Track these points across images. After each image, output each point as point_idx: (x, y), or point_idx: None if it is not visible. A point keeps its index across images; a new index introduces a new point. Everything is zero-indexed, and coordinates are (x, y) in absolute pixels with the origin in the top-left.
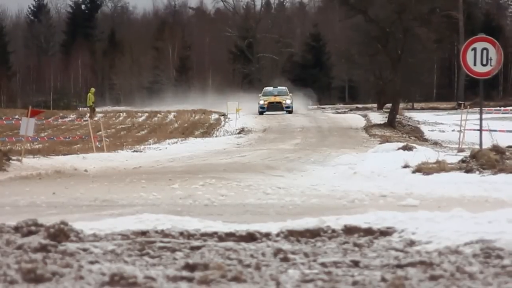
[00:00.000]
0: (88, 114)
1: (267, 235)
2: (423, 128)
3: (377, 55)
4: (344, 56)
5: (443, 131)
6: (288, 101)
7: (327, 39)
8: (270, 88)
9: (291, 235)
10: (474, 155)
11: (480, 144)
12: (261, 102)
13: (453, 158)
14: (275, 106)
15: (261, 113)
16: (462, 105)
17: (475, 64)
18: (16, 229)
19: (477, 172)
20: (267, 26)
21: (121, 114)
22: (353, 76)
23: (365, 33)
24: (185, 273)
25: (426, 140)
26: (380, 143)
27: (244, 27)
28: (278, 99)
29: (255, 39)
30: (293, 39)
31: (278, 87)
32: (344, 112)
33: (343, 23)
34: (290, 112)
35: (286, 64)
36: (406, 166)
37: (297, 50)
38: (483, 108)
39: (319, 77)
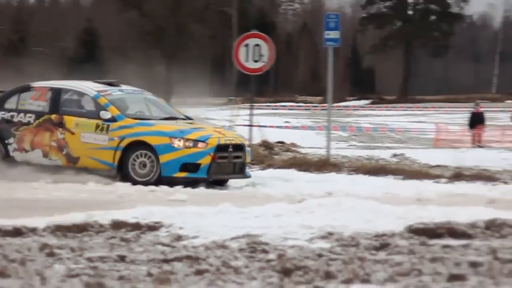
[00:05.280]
0: None
1: (33, 230)
2: None
3: (151, 50)
4: (118, 51)
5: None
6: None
7: (102, 34)
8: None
9: (58, 230)
10: None
11: (250, 140)
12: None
13: None
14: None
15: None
16: (233, 100)
17: (247, 60)
18: None
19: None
20: (41, 20)
21: None
22: (127, 71)
23: (140, 28)
24: None
25: None
26: None
27: (16, 21)
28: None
29: (28, 32)
30: (67, 33)
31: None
32: None
33: (118, 18)
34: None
35: (60, 59)
36: None
37: (70, 44)
38: (254, 104)
39: (92, 72)
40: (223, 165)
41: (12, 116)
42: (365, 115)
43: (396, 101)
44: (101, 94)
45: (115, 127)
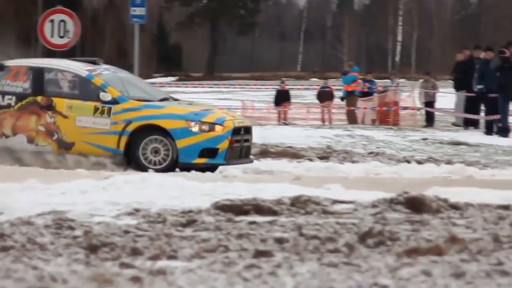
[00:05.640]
0: None
1: None
2: None
3: None
4: None
5: None
6: None
7: None
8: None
9: None
10: None
11: None
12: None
13: None
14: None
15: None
16: None
17: (52, 36)
18: None
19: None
20: None
21: None
22: None
23: None
24: None
25: None
26: None
27: None
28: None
29: None
30: None
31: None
32: None
33: None
34: None
35: None
36: None
37: None
38: None
39: None
40: (236, 150)
41: None
42: (171, 92)
43: (203, 78)
44: (94, 74)
45: (118, 110)
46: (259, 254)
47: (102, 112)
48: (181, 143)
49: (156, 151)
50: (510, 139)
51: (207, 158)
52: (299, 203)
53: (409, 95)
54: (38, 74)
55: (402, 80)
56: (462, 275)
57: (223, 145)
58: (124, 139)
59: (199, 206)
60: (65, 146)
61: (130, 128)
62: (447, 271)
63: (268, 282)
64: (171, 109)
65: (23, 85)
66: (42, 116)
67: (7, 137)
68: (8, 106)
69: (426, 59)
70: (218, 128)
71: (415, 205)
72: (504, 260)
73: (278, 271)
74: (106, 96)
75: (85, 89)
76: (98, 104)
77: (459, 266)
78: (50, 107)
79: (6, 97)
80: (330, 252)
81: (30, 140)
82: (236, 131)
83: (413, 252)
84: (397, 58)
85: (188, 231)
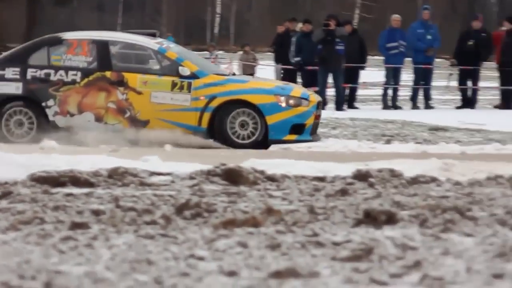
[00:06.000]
0: None
1: None
2: None
3: None
4: None
5: None
6: None
7: None
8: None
9: None
10: None
11: None
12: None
13: None
14: None
15: None
16: None
17: None
18: None
19: None
20: None
21: None
22: None
23: None
24: None
25: None
26: None
27: None
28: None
29: None
30: None
31: None
32: None
33: None
34: None
35: None
36: None
37: None
38: None
39: None
40: (316, 125)
41: (48, 74)
42: None
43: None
44: (165, 47)
45: (199, 85)
46: (75, 226)
47: (181, 88)
48: (271, 119)
49: (242, 125)
50: (325, 111)
51: (297, 135)
52: (116, 175)
53: (228, 67)
54: (103, 48)
55: (220, 52)
56: (278, 246)
57: (309, 121)
58: (207, 116)
59: (15, 177)
60: (138, 124)
61: (214, 103)
62: (263, 242)
63: (84, 254)
64: (256, 84)
65: (87, 59)
66: (113, 92)
67: (72, 115)
68: (73, 82)
69: (245, 31)
70: (305, 103)
71: (232, 177)
72: (319, 231)
73: (94, 243)
74: (185, 71)
75: (159, 64)
76: (176, 79)
77: (274, 238)
78: (121, 82)
79: (70, 72)
80: (147, 224)
81: (98, 118)
82: (317, 105)
83: (229, 224)
84: (216, 30)
85: (3, 203)
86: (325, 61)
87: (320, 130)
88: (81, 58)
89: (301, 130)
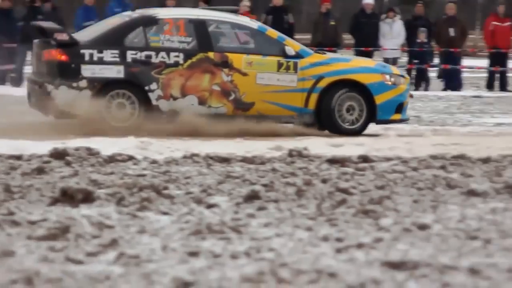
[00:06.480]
0: None
1: None
2: None
3: None
4: None
5: None
6: None
7: None
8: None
9: None
10: None
11: None
12: None
13: None
14: None
15: None
16: None
17: None
18: None
19: None
20: None
21: None
22: None
23: None
24: None
25: None
26: None
27: None
28: None
29: None
30: None
31: None
32: None
33: None
34: None
35: None
36: None
37: None
38: None
39: None
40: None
41: (149, 56)
42: None
43: None
44: (264, 26)
45: (305, 65)
46: None
47: (288, 68)
48: (379, 99)
49: (348, 110)
50: (22, 89)
51: (401, 114)
52: None
53: None
54: (202, 28)
55: None
56: None
57: (407, 100)
58: (314, 97)
59: None
60: (243, 107)
61: (322, 84)
62: None
63: None
64: (360, 62)
65: (186, 40)
66: (217, 74)
67: (175, 99)
68: (176, 64)
69: None
70: (403, 80)
71: None
72: (14, 210)
73: None
74: (291, 50)
75: (261, 43)
76: (282, 59)
77: None
78: (226, 64)
79: (172, 54)
80: None
81: (202, 102)
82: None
83: None
84: None
85: None
86: (26, 39)
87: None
88: (180, 39)
89: (401, 109)
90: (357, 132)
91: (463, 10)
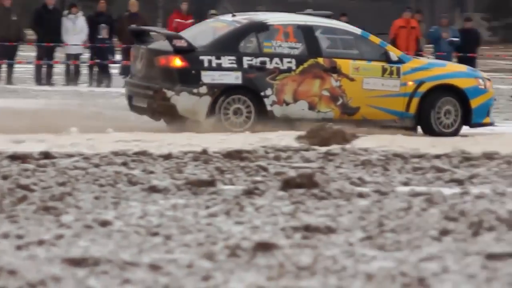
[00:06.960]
0: None
1: None
2: None
3: None
4: None
5: None
6: None
7: None
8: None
9: None
10: None
11: None
12: None
13: None
14: None
15: None
16: None
17: None
18: None
19: None
20: None
21: None
22: None
23: None
24: None
25: None
26: None
27: None
28: None
29: None
30: None
31: None
32: None
33: None
34: None
35: None
36: None
37: None
38: None
39: None
40: None
41: (263, 62)
42: None
43: None
44: (365, 31)
45: (407, 70)
46: None
47: (391, 73)
48: (474, 103)
49: (444, 113)
50: None
51: (489, 117)
52: None
53: None
54: (310, 33)
55: None
56: None
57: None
58: (415, 101)
59: None
60: (348, 112)
61: (423, 89)
62: None
63: None
64: (454, 67)
65: (296, 45)
66: (327, 79)
67: (287, 104)
68: (289, 70)
69: None
70: (489, 84)
71: None
72: None
73: None
74: (393, 56)
75: (365, 49)
76: (386, 65)
77: None
78: (334, 69)
79: (285, 60)
80: None
81: (312, 107)
82: None
83: None
84: None
85: None
86: None
87: None
88: (291, 45)
89: (489, 112)
90: (453, 135)
91: (145, 7)
